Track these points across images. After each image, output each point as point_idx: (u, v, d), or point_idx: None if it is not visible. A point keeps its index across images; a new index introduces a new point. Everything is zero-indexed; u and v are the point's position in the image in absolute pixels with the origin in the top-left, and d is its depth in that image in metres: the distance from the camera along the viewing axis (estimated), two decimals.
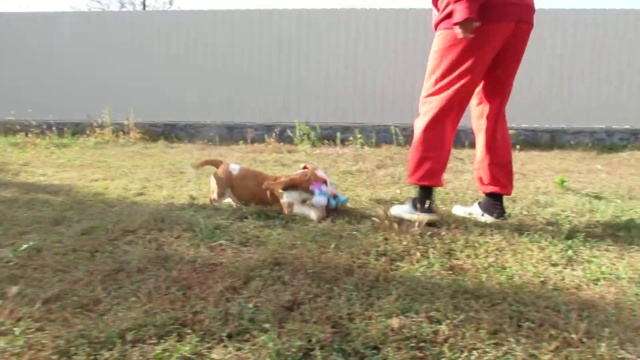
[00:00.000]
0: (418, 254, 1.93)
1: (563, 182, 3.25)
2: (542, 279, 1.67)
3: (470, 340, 1.25)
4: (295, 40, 8.15)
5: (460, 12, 2.04)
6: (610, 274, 1.68)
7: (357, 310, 1.42)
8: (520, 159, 5.54)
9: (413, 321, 1.32)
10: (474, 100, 2.48)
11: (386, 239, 2.11)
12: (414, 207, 2.41)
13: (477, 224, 2.34)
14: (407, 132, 7.64)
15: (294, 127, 7.15)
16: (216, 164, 2.89)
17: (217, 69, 8.13)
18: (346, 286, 1.58)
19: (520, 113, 8.05)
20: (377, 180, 3.69)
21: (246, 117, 8.14)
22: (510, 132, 7.06)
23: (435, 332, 1.29)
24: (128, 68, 8.12)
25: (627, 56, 7.60)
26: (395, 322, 1.29)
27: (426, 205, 2.37)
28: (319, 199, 2.50)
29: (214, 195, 2.76)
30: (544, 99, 7.95)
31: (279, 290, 1.56)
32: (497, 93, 2.40)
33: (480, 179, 2.52)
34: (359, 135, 6.61)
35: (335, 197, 2.58)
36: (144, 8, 26.47)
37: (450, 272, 1.78)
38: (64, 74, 8.16)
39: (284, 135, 7.17)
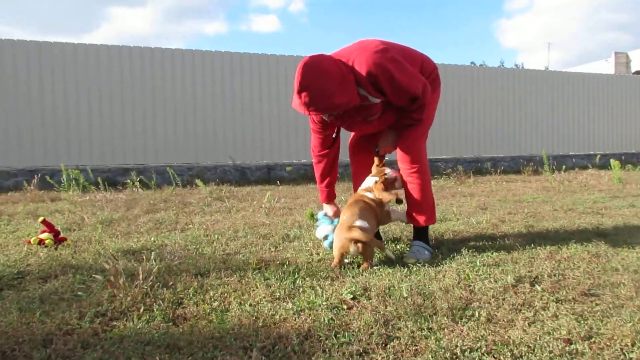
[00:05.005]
0: (142, 309, 1.85)
1: (312, 215, 3.55)
2: (255, 317, 1.75)
3: None
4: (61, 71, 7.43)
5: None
6: (314, 303, 1.86)
7: None
8: (295, 192, 5.95)
9: None
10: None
11: (113, 297, 1.98)
12: (427, 246, 2.66)
13: (217, 266, 2.38)
14: (187, 174, 7.59)
15: (61, 170, 6.43)
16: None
17: None
18: None
19: (295, 151, 8.71)
20: (136, 228, 3.50)
21: (0, 161, 7.09)
22: (287, 169, 7.56)
23: None
24: None
25: None
26: None
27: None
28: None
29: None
30: None
31: None
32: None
33: None
34: (137, 178, 6.27)
35: None
36: None
37: (171, 323, 1.74)
38: None
39: (48, 181, 6.37)
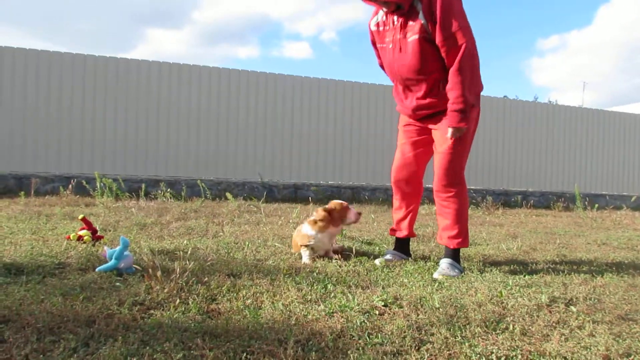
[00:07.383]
0: (178, 301, 1.90)
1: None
2: (288, 315, 1.77)
3: None
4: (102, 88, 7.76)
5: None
6: (346, 306, 1.87)
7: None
8: None
9: None
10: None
11: (150, 288, 2.04)
12: (457, 264, 2.67)
13: (248, 269, 2.43)
14: (216, 188, 7.72)
15: (95, 178, 6.64)
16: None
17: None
18: (72, 337, 1.46)
19: (323, 172, 8.77)
20: (169, 232, 3.58)
21: (40, 167, 7.37)
22: (312, 188, 7.59)
23: None
24: None
25: None
26: None
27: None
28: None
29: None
30: (346, 160, 8.82)
31: None
32: None
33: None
34: (167, 189, 6.42)
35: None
36: None
37: (205, 315, 1.78)
38: None
39: (83, 187, 6.58)
